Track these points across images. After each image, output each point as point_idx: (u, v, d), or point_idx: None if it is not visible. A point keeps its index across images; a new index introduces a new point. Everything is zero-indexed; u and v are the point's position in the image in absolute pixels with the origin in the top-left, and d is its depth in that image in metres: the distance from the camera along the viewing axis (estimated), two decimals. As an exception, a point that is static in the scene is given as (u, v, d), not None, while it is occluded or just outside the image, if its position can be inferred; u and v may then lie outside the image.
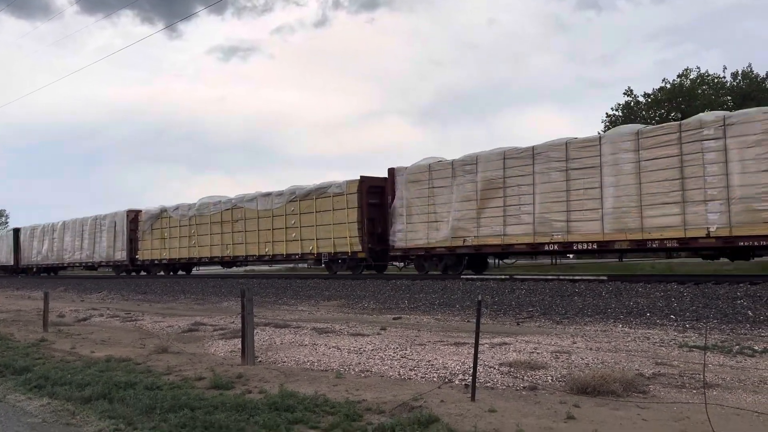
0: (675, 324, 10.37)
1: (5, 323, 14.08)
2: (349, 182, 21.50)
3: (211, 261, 28.67)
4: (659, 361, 7.09)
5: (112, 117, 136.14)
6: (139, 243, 32.17)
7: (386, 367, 7.20)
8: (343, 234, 21.42)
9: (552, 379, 6.27)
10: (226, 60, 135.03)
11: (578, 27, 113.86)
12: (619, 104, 41.59)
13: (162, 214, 31.07)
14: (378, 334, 10.09)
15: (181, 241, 29.70)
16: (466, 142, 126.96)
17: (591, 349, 7.95)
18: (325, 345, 8.96)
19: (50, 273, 42.11)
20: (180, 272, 32.37)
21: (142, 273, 33.75)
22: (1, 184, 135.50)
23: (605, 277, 15.08)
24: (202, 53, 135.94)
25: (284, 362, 7.92)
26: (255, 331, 8.41)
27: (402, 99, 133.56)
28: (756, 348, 7.75)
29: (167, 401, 5.66)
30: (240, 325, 8.12)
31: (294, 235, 23.60)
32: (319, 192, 22.62)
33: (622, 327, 10.45)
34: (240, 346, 8.03)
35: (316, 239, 22.66)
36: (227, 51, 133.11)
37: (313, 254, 22.98)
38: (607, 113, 41.83)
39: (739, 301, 11.13)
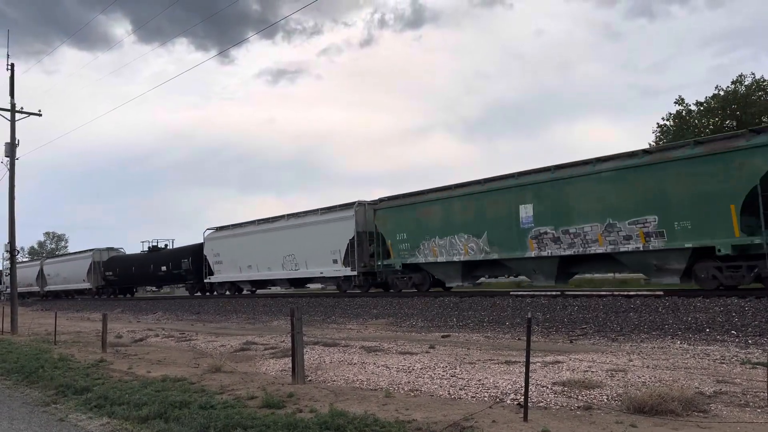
0: (736, 340, 9.96)
1: (66, 344, 14.60)
2: None
3: None
4: (720, 378, 6.82)
5: (166, 142, 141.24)
6: None
7: (436, 386, 7.14)
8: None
9: (607, 398, 6.10)
10: (275, 83, 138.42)
11: (630, 34, 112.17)
12: (671, 113, 40.44)
13: None
14: (427, 352, 10.03)
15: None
16: (514, 156, 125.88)
17: (648, 366, 7.70)
18: (374, 363, 8.95)
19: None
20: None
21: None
22: (61, 209, 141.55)
23: (661, 292, 14.61)
24: (251, 77, 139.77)
25: (334, 381, 7.95)
26: (305, 350, 8.49)
27: (449, 114, 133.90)
28: (826, 365, 7.36)
29: (221, 420, 5.76)
30: (290, 344, 8.21)
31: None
32: None
33: (681, 343, 10.10)
34: (290, 365, 8.11)
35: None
36: (275, 74, 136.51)
37: None
38: (657, 123, 40.77)
39: (805, 316, 10.61)
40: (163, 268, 35.67)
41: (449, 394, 6.77)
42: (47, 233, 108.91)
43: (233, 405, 6.56)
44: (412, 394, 6.87)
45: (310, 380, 8.03)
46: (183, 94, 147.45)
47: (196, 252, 32.77)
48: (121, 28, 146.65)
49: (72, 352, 12.76)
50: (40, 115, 22.58)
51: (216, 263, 30.68)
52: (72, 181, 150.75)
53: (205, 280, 31.86)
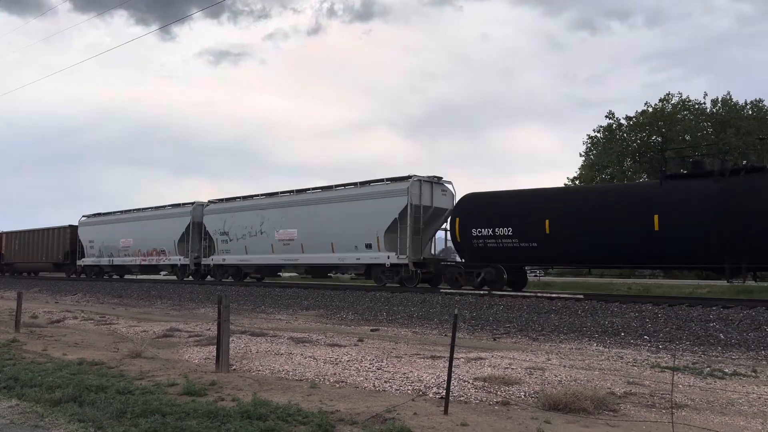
0: (648, 344, 10.50)
1: (-24, 323, 13.83)
2: None
3: None
4: (631, 380, 7.18)
5: (98, 116, 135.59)
6: None
7: (361, 379, 7.20)
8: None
9: (525, 395, 6.32)
10: (216, 63, 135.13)
11: (571, 46, 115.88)
12: (601, 126, 42.06)
13: None
14: (355, 345, 10.08)
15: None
16: (454, 156, 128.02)
17: (565, 366, 8.02)
18: (301, 354, 8.93)
19: None
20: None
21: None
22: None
23: (582, 296, 15.22)
24: (193, 56, 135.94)
25: (259, 371, 7.88)
26: (231, 339, 8.37)
27: (393, 110, 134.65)
28: (726, 371, 7.88)
29: (138, 406, 5.61)
30: (216, 332, 8.07)
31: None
32: None
33: (597, 345, 10.56)
34: (215, 353, 7.98)
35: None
36: (218, 54, 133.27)
37: None
38: (588, 135, 42.34)
39: (711, 324, 11.30)
40: None
41: (374, 386, 6.84)
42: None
43: (152, 391, 6.40)
44: (338, 386, 6.90)
45: (234, 369, 7.93)
46: (119, 69, 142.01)
47: None
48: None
49: (-19, 331, 12.10)
50: (-40, 78, 21.16)
51: None
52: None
53: None
